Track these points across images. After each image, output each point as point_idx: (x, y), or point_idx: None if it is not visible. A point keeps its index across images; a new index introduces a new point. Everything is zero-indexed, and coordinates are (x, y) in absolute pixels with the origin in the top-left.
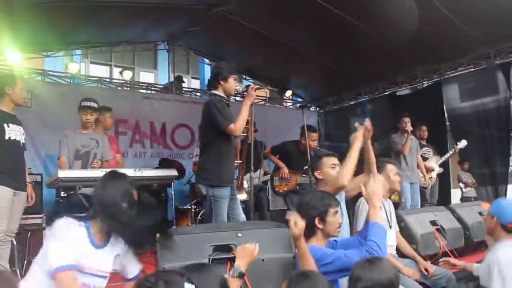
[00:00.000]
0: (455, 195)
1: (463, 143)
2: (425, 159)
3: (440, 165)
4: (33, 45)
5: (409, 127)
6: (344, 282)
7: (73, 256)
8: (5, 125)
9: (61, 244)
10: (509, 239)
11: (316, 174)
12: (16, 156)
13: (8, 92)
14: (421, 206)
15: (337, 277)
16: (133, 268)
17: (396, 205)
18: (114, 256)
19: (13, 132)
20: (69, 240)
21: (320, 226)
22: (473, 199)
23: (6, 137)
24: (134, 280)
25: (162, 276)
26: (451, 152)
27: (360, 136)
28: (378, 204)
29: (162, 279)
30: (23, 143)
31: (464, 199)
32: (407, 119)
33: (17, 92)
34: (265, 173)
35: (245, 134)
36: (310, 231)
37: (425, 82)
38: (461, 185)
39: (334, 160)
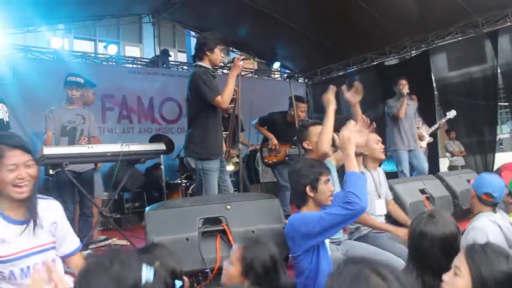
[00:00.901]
0: (443, 164)
1: (452, 113)
2: None
3: (430, 135)
4: (14, 20)
5: (406, 90)
6: (332, 246)
7: None
8: None
9: None
10: (484, 211)
11: (305, 144)
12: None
13: None
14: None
15: (324, 238)
16: (72, 242)
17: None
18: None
19: None
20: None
21: (311, 194)
22: (460, 168)
23: None
24: (75, 255)
25: (118, 256)
26: (440, 122)
27: (332, 98)
28: (352, 152)
29: (117, 260)
30: (6, 121)
31: (451, 167)
32: (404, 82)
33: None
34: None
35: (233, 105)
36: (301, 200)
37: (413, 52)
38: (448, 154)
39: (320, 129)
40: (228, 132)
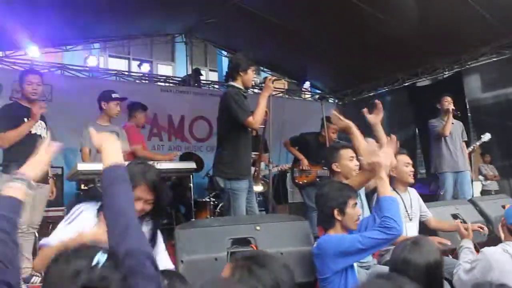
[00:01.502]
0: (476, 188)
1: (487, 136)
2: None
3: None
4: (52, 40)
5: (451, 106)
6: (360, 270)
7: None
8: (26, 120)
9: (62, 224)
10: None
11: (333, 166)
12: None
13: (22, 87)
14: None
15: (356, 260)
16: None
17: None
18: None
19: (35, 127)
20: (73, 220)
21: (339, 218)
22: (493, 192)
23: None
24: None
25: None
26: (474, 145)
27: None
28: (385, 176)
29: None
30: (44, 138)
31: (484, 192)
32: (449, 98)
33: (26, 89)
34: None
35: (264, 126)
36: (328, 223)
37: (446, 73)
38: (481, 177)
39: (351, 153)
40: (257, 153)
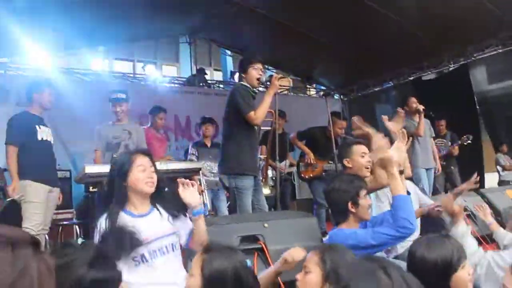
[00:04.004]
0: (492, 179)
1: (466, 138)
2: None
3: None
4: (59, 44)
5: (420, 106)
6: None
7: None
8: (36, 126)
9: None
10: None
11: (345, 162)
12: (48, 155)
13: (35, 98)
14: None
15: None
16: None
17: None
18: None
19: (44, 133)
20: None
21: (353, 210)
22: (511, 183)
23: (39, 138)
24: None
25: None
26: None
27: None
28: (396, 172)
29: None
30: (52, 144)
31: (502, 183)
32: (414, 99)
33: (44, 98)
34: (291, 165)
35: (271, 124)
36: (342, 217)
37: (451, 66)
38: (499, 168)
39: (364, 149)
40: (266, 157)
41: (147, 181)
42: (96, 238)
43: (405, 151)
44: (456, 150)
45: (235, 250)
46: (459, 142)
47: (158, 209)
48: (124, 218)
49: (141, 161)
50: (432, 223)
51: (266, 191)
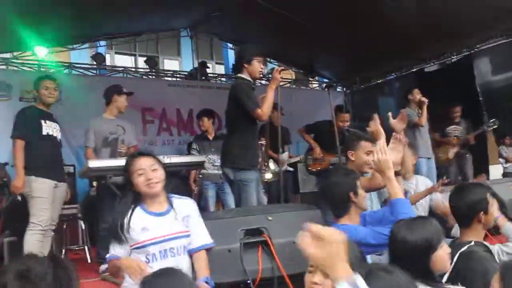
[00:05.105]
0: (496, 171)
1: (492, 124)
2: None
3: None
4: (59, 39)
5: (425, 98)
6: (374, 257)
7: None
8: (42, 121)
9: None
10: None
11: (349, 154)
12: (54, 150)
13: (37, 94)
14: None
15: (366, 252)
16: (200, 238)
17: None
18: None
19: (50, 128)
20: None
21: (355, 200)
22: None
23: (44, 133)
24: (199, 251)
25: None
26: (482, 129)
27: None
28: (392, 175)
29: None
30: (59, 139)
31: (506, 175)
32: (418, 90)
33: (42, 93)
34: (290, 157)
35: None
36: (343, 210)
37: (454, 57)
38: (501, 160)
39: (370, 147)
40: (264, 140)
41: (147, 183)
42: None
43: (401, 151)
44: (473, 138)
45: None
46: (485, 127)
47: (174, 210)
48: (139, 213)
49: (139, 164)
50: None
51: (268, 175)
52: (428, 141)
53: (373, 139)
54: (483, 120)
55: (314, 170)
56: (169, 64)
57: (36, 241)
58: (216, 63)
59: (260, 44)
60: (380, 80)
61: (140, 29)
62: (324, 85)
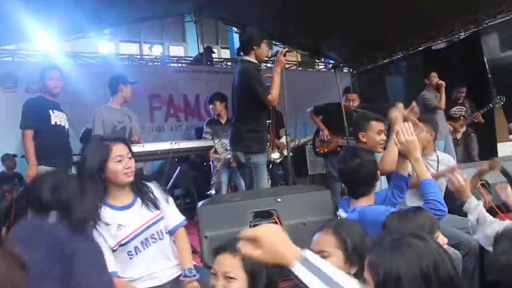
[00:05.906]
0: (504, 149)
1: (499, 101)
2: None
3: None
4: (65, 29)
5: (442, 81)
6: None
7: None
8: (50, 111)
9: None
10: None
11: (360, 135)
12: (62, 140)
13: (44, 84)
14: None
15: None
16: (174, 218)
17: None
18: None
19: (58, 118)
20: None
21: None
22: None
23: (52, 122)
24: (178, 230)
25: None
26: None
27: (399, 117)
28: (419, 155)
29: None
30: (67, 129)
31: None
32: (435, 74)
33: (48, 84)
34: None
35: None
36: (368, 189)
37: (462, 34)
38: (511, 137)
39: (381, 126)
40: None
41: (126, 172)
42: None
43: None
44: (481, 117)
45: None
46: (491, 104)
47: (140, 197)
48: (108, 212)
49: (118, 151)
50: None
51: (275, 155)
52: (444, 121)
53: (383, 119)
54: (492, 97)
55: (322, 152)
56: (175, 50)
57: None
58: (222, 47)
59: (265, 27)
60: (387, 60)
61: (144, 16)
62: (331, 65)
